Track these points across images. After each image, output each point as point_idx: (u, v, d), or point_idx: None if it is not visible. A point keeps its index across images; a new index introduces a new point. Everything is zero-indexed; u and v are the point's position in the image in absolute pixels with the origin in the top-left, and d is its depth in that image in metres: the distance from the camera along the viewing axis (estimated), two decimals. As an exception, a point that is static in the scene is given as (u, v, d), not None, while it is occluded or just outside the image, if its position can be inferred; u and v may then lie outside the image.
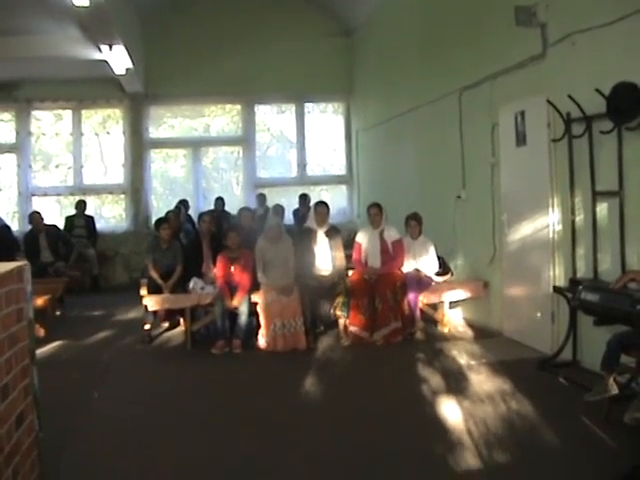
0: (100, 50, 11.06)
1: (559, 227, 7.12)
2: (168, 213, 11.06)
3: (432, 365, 7.15)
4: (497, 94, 8.28)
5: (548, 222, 7.25)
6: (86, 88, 14.21)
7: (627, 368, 5.23)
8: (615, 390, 5.01)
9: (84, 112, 14.88)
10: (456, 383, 6.46)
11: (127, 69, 12.21)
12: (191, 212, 13.80)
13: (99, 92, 14.40)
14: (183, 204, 13.34)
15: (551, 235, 7.23)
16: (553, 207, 7.18)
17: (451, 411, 5.65)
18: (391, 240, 8.71)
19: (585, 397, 5.20)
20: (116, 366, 7.62)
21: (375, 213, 8.82)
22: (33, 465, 3.69)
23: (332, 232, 9.00)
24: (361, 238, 8.93)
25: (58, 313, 10.47)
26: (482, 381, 6.49)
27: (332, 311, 8.48)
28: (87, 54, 11.49)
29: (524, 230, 7.73)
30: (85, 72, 13.13)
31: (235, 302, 8.21)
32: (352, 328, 8.30)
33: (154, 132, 15.15)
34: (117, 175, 14.98)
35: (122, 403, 6.27)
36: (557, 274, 7.17)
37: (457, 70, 9.41)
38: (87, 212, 13.88)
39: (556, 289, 6.88)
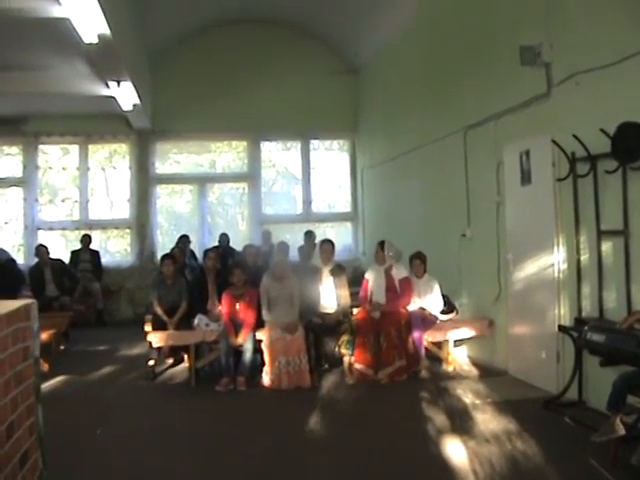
0: (108, 86, 11.17)
1: (564, 266, 7.11)
2: (173, 249, 11.10)
3: (437, 404, 7.11)
4: (502, 133, 8.33)
5: (553, 261, 7.25)
6: (93, 123, 14.35)
7: (634, 409, 5.20)
8: (622, 431, 4.98)
9: (91, 147, 14.99)
10: (461, 422, 6.42)
11: (134, 105, 12.32)
12: (196, 248, 13.82)
13: (106, 127, 14.55)
14: (185, 239, 13.34)
15: (556, 274, 7.22)
16: (558, 246, 7.18)
17: (456, 451, 5.61)
18: (399, 277, 8.72)
19: (592, 438, 5.17)
20: (119, 402, 7.59)
21: (377, 251, 8.89)
22: (36, 504, 3.68)
23: (337, 270, 9.04)
24: (368, 275, 8.98)
25: (62, 347, 10.48)
26: (487, 420, 6.44)
27: (337, 349, 8.49)
28: (95, 90, 11.60)
29: (529, 269, 7.73)
30: (92, 108, 13.27)
31: (240, 339, 8.20)
32: (357, 366, 8.28)
33: (160, 167, 15.24)
34: (123, 210, 15.05)
35: (125, 440, 6.24)
36: (562, 313, 7.14)
37: (462, 109, 9.49)
38: (92, 246, 13.92)
39: (561, 328, 6.85)
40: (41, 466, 3.79)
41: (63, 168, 15.07)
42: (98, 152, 15.21)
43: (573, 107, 6.81)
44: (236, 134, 15.42)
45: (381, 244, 8.89)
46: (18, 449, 3.40)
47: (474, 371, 8.60)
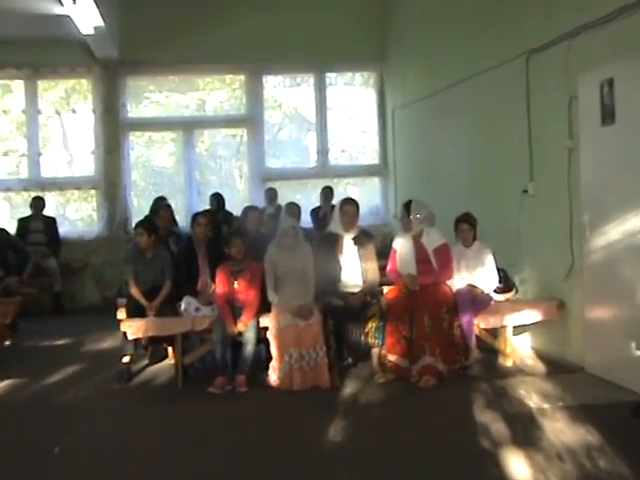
0: (61, 3, 11.04)
1: (659, 230, 7.05)
2: (149, 215, 11.10)
3: (492, 409, 7.06)
4: (576, 57, 8.18)
5: (644, 223, 7.17)
6: (43, 52, 14.24)
7: None
8: None
9: (41, 83, 14.97)
10: (524, 433, 6.38)
11: (96, 28, 12.18)
12: (182, 212, 13.87)
13: (60, 57, 14.44)
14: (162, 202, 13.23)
15: (648, 240, 7.15)
16: (651, 204, 7.10)
17: (519, 469, 5.58)
18: (433, 247, 8.69)
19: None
20: (84, 411, 7.59)
21: (402, 214, 8.94)
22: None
23: (362, 238, 8.98)
24: (396, 245, 8.99)
25: (8, 343, 10.52)
26: (559, 431, 6.40)
27: (363, 338, 8.45)
28: (44, 7, 11.52)
29: (612, 234, 7.65)
30: (42, 31, 13.13)
31: (239, 327, 8.19)
32: (390, 357, 8.29)
33: (133, 110, 15.25)
34: (86, 165, 15.08)
35: (92, 460, 6.23)
36: (657, 291, 7.09)
37: (523, 27, 9.37)
38: (46, 213, 13.92)
39: (656, 310, 6.80)
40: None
41: (4, 111, 15.05)
42: (51, 90, 15.20)
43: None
44: (231, 66, 15.31)
45: (406, 205, 8.86)
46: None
47: (540, 366, 8.59)
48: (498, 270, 8.93)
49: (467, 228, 8.90)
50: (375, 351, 8.39)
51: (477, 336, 8.60)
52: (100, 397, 8.12)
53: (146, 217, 11.36)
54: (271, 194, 13.97)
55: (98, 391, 8.34)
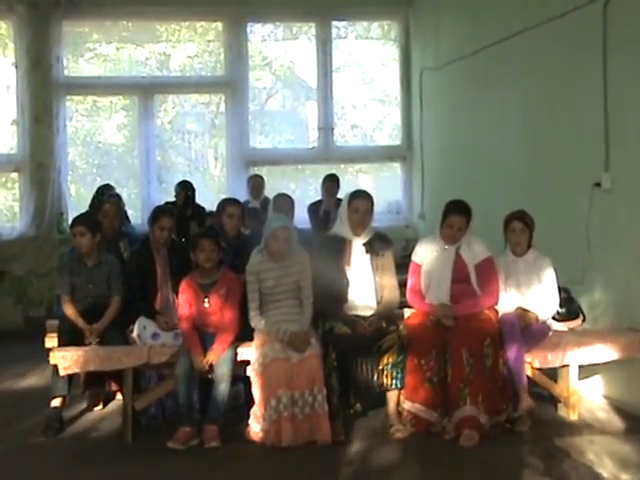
0: None
1: None
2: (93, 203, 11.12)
3: (550, 477, 7.00)
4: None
5: None
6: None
7: None
8: None
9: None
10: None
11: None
12: (137, 206, 13.82)
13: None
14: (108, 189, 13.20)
15: None
16: None
17: None
18: (475, 261, 8.67)
19: None
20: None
21: (459, 225, 8.64)
22: None
23: (377, 244, 8.95)
24: (421, 255, 8.91)
25: None
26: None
27: (377, 378, 8.42)
28: None
29: None
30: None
31: (210, 360, 8.14)
32: (408, 405, 8.27)
33: (72, 66, 15.28)
34: (5, 140, 15.06)
35: None
36: None
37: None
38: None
39: None
40: None
41: None
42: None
43: None
44: (204, 9, 15.29)
45: (463, 208, 8.75)
46: None
47: (616, 422, 8.54)
48: (559, 289, 8.88)
49: (521, 228, 8.75)
50: (392, 395, 8.35)
51: (529, 378, 8.53)
52: (18, 455, 7.98)
53: (87, 212, 11.32)
54: (256, 183, 13.94)
55: (15, 447, 8.20)
